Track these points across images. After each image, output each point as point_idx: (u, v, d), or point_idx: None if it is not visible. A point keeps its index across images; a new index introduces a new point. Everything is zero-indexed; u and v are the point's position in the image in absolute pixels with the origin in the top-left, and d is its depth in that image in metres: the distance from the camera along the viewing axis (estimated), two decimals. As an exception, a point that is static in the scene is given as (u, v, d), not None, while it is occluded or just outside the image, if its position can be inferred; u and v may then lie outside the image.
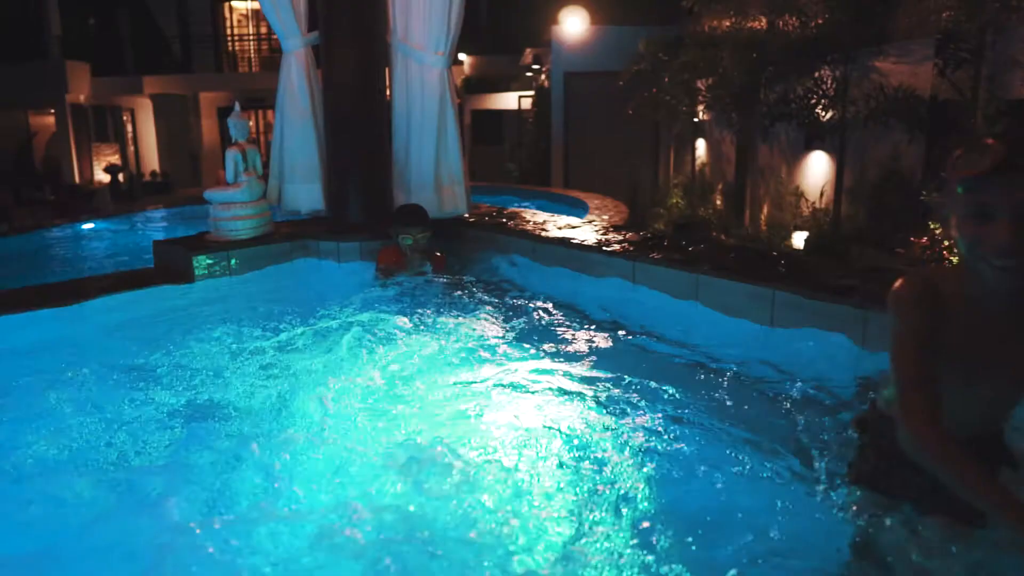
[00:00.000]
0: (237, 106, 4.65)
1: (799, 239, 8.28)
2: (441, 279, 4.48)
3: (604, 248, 4.28)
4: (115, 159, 18.68)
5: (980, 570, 1.54)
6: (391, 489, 2.33)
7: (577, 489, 2.29)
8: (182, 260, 4.48)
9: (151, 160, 20.14)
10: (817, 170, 8.79)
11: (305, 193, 5.07)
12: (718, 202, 11.61)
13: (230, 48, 20.31)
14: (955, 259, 5.20)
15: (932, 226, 5.74)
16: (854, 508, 1.74)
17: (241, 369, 3.52)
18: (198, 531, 2.20)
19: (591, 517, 2.14)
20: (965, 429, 1.57)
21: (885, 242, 6.59)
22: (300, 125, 4.95)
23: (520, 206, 11.21)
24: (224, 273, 4.54)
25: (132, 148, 19.91)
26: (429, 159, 4.89)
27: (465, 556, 1.97)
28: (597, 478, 2.36)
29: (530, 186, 13.59)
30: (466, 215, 5.17)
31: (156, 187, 18.59)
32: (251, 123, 20.34)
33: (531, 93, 16.80)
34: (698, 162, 12.78)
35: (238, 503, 2.36)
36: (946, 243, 5.54)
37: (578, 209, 8.81)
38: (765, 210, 10.23)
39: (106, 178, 17.86)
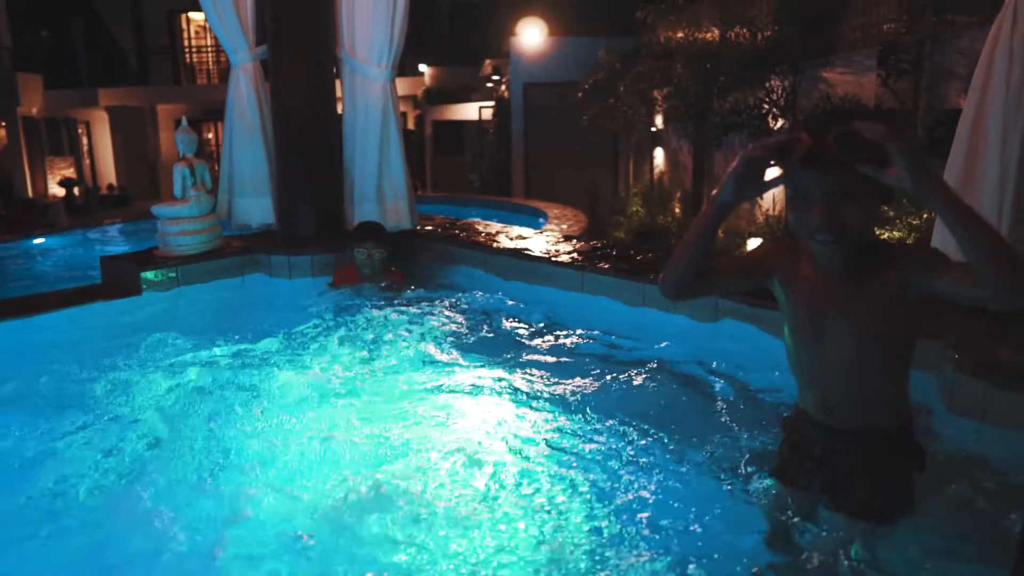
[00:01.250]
0: (184, 121, 4.62)
1: (753, 244, 8.43)
2: (394, 293, 4.48)
3: (554, 259, 4.32)
4: (70, 172, 18.33)
5: (877, 561, 1.61)
6: (336, 510, 2.34)
7: (521, 493, 2.33)
8: (129, 275, 4.43)
9: (108, 173, 19.80)
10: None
11: (255, 207, 5.04)
12: (677, 210, 11.76)
13: (188, 60, 20.08)
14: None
15: (877, 231, 5.88)
16: (769, 501, 1.80)
17: (185, 385, 3.48)
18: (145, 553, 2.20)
19: (535, 520, 2.18)
20: (841, 410, 1.71)
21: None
22: (249, 139, 4.92)
23: (480, 216, 11.25)
24: (172, 288, 4.49)
25: (88, 161, 19.55)
26: (372, 172, 4.89)
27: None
28: (543, 482, 2.40)
29: (491, 196, 13.65)
30: (414, 228, 5.18)
31: (113, 200, 18.27)
32: (210, 135, 20.14)
33: (491, 104, 16.88)
34: (656, 171, 12.95)
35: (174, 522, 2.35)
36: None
37: (538, 218, 8.86)
38: (722, 218, 10.40)
39: (61, 192, 17.52)
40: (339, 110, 5.07)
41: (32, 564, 2.22)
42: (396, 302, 4.37)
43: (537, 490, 2.37)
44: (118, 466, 2.75)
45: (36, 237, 9.87)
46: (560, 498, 2.31)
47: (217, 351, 3.85)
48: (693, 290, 1.81)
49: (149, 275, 4.41)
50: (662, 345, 3.51)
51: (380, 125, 4.84)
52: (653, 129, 12.15)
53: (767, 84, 8.00)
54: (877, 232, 1.67)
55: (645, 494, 2.28)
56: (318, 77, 4.86)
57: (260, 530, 2.28)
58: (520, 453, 2.64)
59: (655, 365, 3.31)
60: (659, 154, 12.89)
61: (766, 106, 7.86)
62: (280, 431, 2.92)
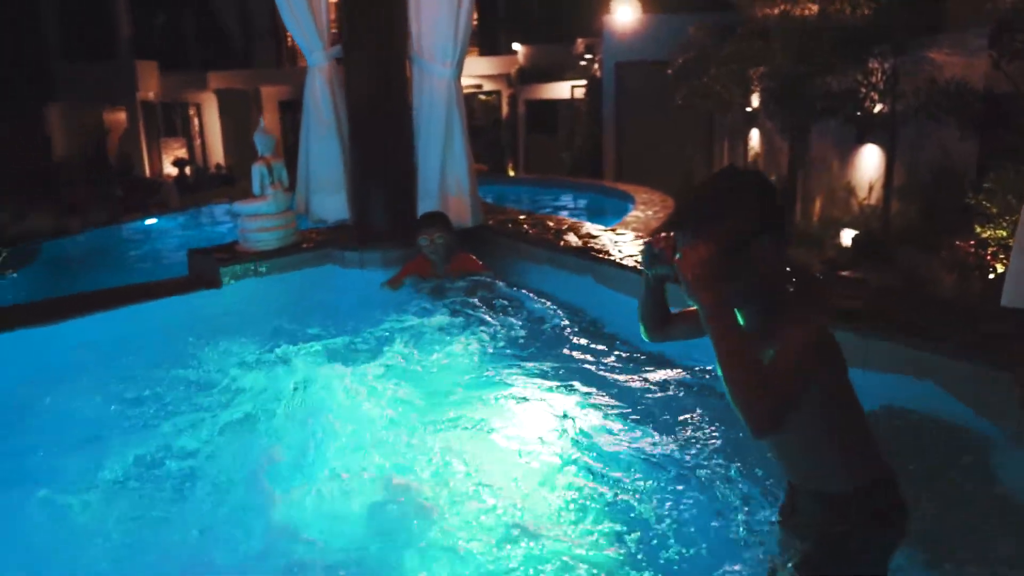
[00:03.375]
0: (262, 122, 4.79)
1: (847, 237, 8.03)
2: (460, 284, 4.50)
3: (620, 262, 4.25)
4: (182, 153, 19.39)
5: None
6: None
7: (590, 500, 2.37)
8: (211, 270, 4.66)
9: (216, 153, 20.81)
10: (868, 165, 8.49)
11: (331, 203, 5.18)
12: (771, 194, 11.32)
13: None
14: (1000, 266, 4.95)
15: (978, 229, 5.49)
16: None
17: (261, 377, 3.65)
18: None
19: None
20: (785, 469, 1.72)
21: (932, 244, 6.34)
22: (325, 137, 5.05)
23: (570, 197, 11.20)
24: (251, 281, 4.70)
25: (198, 142, 20.61)
26: (435, 168, 4.94)
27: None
28: (600, 490, 2.43)
29: (580, 178, 13.53)
30: (476, 226, 5.19)
31: (220, 179, 19.21)
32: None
33: (583, 83, 16.66)
34: (752, 153, 12.48)
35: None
36: (991, 248, 5.30)
37: (626, 202, 8.74)
38: (817, 204, 9.94)
39: (174, 171, 18.58)
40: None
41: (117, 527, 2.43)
42: (460, 294, 4.39)
43: (584, 489, 2.37)
44: (186, 453, 2.95)
45: (149, 217, 10.52)
46: (616, 500, 2.33)
47: (286, 346, 4.01)
48: (665, 338, 1.92)
49: (229, 270, 4.63)
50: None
51: (444, 122, 4.87)
52: (748, 109, 11.69)
53: (867, 65, 7.54)
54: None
55: (692, 501, 2.33)
56: (390, 74, 4.92)
57: (314, 520, 2.41)
58: (571, 457, 2.65)
59: (700, 372, 3.23)
60: (755, 135, 12.41)
61: (864, 89, 7.42)
62: (335, 426, 3.01)
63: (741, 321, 1.53)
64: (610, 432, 2.87)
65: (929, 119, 6.66)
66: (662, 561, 2.17)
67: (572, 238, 4.88)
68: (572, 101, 17.97)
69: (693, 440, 2.75)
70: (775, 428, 1.35)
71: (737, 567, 2.07)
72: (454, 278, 4.55)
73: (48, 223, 10.28)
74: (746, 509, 2.29)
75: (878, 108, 7.40)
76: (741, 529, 2.22)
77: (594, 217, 9.98)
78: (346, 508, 2.50)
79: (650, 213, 7.72)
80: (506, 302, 4.40)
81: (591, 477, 2.58)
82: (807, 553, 1.65)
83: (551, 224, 5.43)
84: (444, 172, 4.96)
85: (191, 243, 8.41)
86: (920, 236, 6.76)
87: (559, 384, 3.35)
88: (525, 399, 3.26)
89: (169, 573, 2.31)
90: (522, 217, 5.74)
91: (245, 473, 2.77)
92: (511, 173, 18.05)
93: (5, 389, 3.52)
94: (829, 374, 1.51)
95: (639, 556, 2.18)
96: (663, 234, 1.61)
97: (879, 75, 7.35)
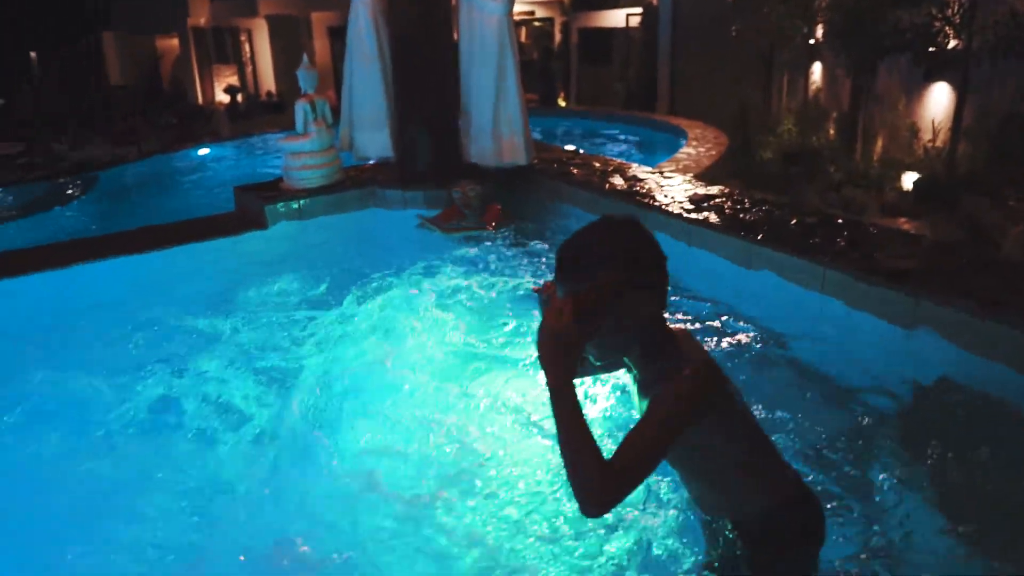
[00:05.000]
0: (305, 58, 4.73)
1: (909, 180, 7.68)
2: (495, 232, 4.48)
3: (664, 207, 4.14)
4: (233, 80, 19.42)
5: None
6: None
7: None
8: (256, 207, 4.70)
9: (267, 80, 20.79)
10: (936, 105, 8.05)
11: (374, 140, 5.14)
12: (831, 132, 10.86)
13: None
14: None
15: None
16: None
17: (301, 316, 3.72)
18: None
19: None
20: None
21: (1000, 194, 6.03)
22: (368, 72, 4.98)
23: (619, 132, 10.93)
24: (293, 220, 4.73)
25: (249, 69, 20.59)
26: (488, 107, 4.83)
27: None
28: None
29: (632, 111, 13.16)
30: (529, 164, 5.11)
31: (271, 107, 19.24)
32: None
33: (639, 10, 16.02)
34: (813, 88, 11.93)
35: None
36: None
37: (679, 138, 8.50)
38: (879, 144, 9.51)
39: (226, 99, 18.65)
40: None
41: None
42: (496, 239, 4.38)
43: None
44: (221, 389, 3.05)
45: (202, 147, 10.62)
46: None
47: (326, 285, 4.05)
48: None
49: (273, 207, 4.66)
50: (767, 311, 3.31)
51: (496, 59, 4.75)
52: (812, 42, 11.11)
53: (942, -3, 7.05)
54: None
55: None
56: (435, 9, 4.79)
57: (363, 460, 2.47)
58: (618, 412, 2.64)
59: (749, 337, 3.16)
60: (816, 69, 11.84)
61: (937, 23, 6.96)
62: (374, 368, 3.05)
63: (631, 370, 1.54)
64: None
65: (1007, 55, 6.22)
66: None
67: (618, 180, 4.77)
68: (627, 30, 17.34)
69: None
70: (602, 514, 1.33)
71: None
72: (488, 228, 4.51)
73: (105, 152, 10.46)
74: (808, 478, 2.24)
75: (951, 44, 6.95)
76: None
77: (644, 152, 9.76)
78: (392, 449, 2.54)
79: (702, 150, 7.49)
80: (544, 247, 4.36)
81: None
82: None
83: (597, 165, 5.30)
84: (496, 111, 4.87)
85: (243, 173, 8.51)
86: (987, 183, 6.43)
87: None
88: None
89: (203, 501, 2.38)
90: (569, 157, 5.62)
91: (284, 410, 2.84)
92: (562, 104, 17.66)
93: (58, 322, 3.65)
94: (719, 413, 1.44)
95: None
96: (549, 281, 1.54)
97: (955, 7, 6.87)
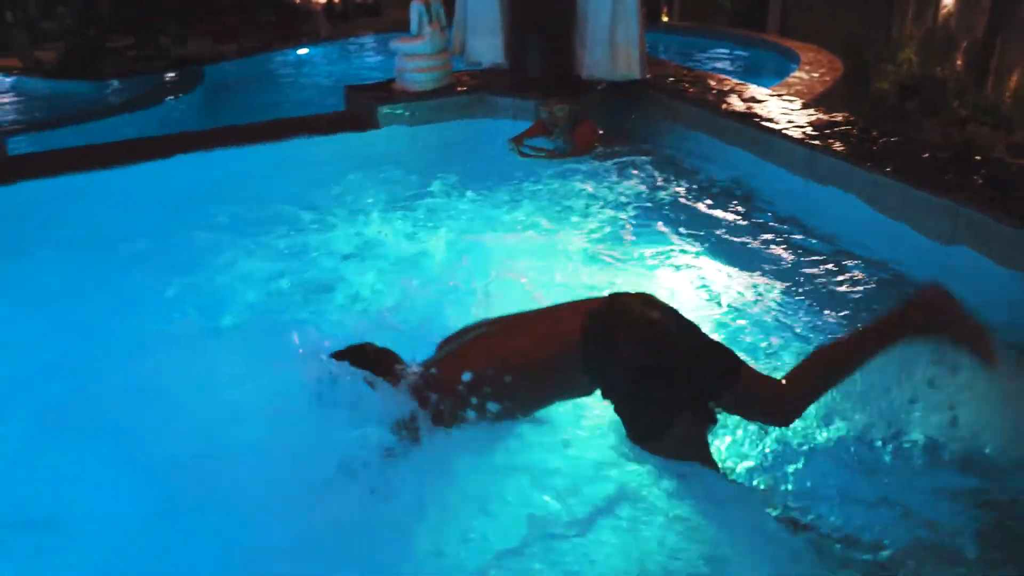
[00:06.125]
0: (422, -44, 4.65)
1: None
2: (588, 153, 4.37)
3: (784, 132, 3.99)
4: (331, -22, 19.27)
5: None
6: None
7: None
8: (368, 108, 4.74)
9: (365, -20, 20.55)
10: (1087, 36, 7.36)
11: (487, 45, 5.08)
12: (959, 62, 10.11)
13: None
14: None
15: None
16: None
17: (397, 220, 3.77)
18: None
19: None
20: None
21: None
22: (483, -26, 4.87)
23: (726, 51, 10.47)
24: (404, 123, 4.76)
25: (349, -33, 20.36)
26: (605, 15, 4.68)
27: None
28: None
29: (741, 30, 12.52)
30: (642, 78, 4.96)
31: (367, 9, 19.09)
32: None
33: (756, -81, 15.00)
34: (943, 10, 11.06)
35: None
36: None
37: (789, 62, 8.10)
38: (1015, 78, 8.81)
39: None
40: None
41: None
42: (596, 163, 4.28)
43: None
44: (324, 279, 3.19)
45: (301, 47, 10.69)
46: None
47: (429, 191, 4.09)
48: None
49: (385, 109, 4.69)
50: (888, 252, 3.18)
51: (616, -34, 4.57)
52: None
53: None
54: None
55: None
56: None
57: None
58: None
59: (873, 281, 3.02)
60: (950, -10, 10.95)
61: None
62: (467, 277, 3.02)
63: None
64: (752, 314, 2.81)
65: None
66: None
67: (735, 101, 4.60)
68: (740, -59, 16.31)
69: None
70: None
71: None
72: (576, 148, 4.41)
73: (206, 48, 10.60)
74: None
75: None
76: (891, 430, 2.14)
77: (752, 75, 9.32)
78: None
79: (815, 76, 7.13)
80: (647, 168, 4.28)
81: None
82: None
83: (713, 84, 5.11)
84: (613, 20, 4.72)
85: (342, 74, 8.55)
86: None
87: (698, 262, 3.26)
88: (660, 267, 3.24)
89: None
90: (683, 74, 5.42)
91: (397, 301, 2.92)
92: (664, 19, 16.94)
93: (167, 215, 3.75)
94: None
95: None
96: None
97: None
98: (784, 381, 1.92)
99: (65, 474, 1.75)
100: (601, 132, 4.52)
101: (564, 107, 4.36)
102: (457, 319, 2.48)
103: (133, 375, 2.01)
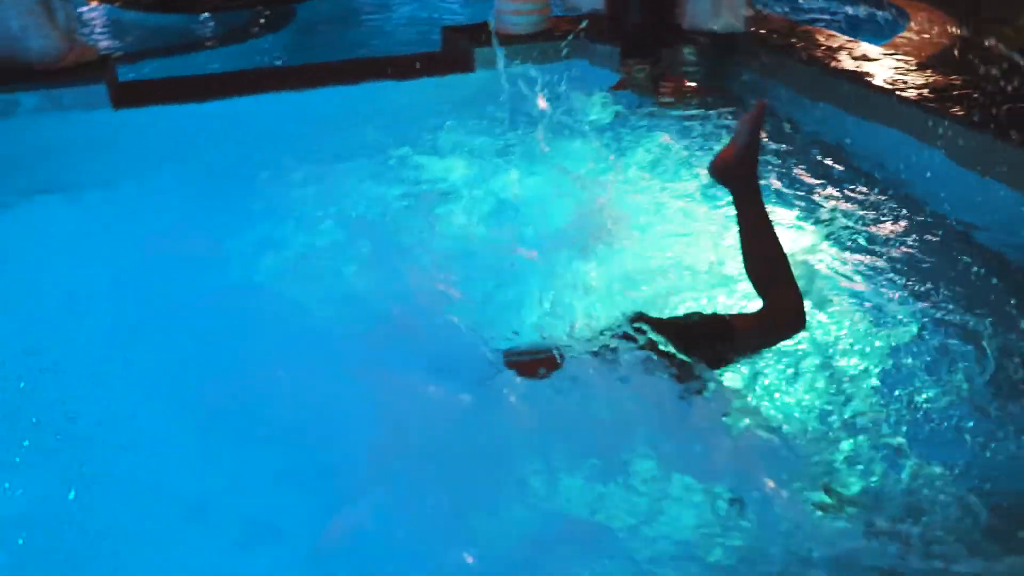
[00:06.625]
0: None
1: None
2: (681, 106, 4.25)
3: (898, 92, 3.79)
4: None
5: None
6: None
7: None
8: (465, 50, 4.72)
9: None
10: None
11: (586, -9, 4.97)
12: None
13: None
14: None
15: None
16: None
17: (497, 160, 3.80)
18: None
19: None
20: None
21: None
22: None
23: (822, 5, 9.99)
24: (501, 66, 4.71)
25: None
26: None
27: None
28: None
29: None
30: (745, 31, 4.79)
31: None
32: None
33: None
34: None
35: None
36: None
37: (897, 19, 7.68)
38: None
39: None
40: None
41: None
42: (675, 118, 4.17)
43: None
44: (410, 222, 3.11)
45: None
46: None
47: (526, 132, 4.04)
48: None
49: (482, 51, 4.66)
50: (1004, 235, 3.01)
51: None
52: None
53: None
54: None
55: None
56: None
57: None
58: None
59: (986, 258, 2.86)
60: (1083, -50, 10.13)
61: None
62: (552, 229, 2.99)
63: None
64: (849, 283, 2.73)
65: None
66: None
67: (845, 59, 4.38)
68: None
69: (934, 314, 2.50)
70: None
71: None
72: (665, 103, 4.29)
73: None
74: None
75: None
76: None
77: (855, 33, 8.89)
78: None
79: (925, 36, 6.75)
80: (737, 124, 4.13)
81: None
82: None
83: (820, 39, 4.88)
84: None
85: (437, 15, 8.47)
86: None
87: (790, 227, 3.13)
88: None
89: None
90: (788, 28, 5.19)
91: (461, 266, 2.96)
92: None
93: (260, 149, 3.84)
94: None
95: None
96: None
97: None
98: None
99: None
100: (694, 86, 4.39)
101: (643, 68, 4.25)
102: (552, 261, 2.51)
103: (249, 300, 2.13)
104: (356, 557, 1.53)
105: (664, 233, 3.09)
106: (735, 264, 2.54)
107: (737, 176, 2.24)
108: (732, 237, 2.98)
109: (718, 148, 3.80)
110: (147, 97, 4.25)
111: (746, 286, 2.38)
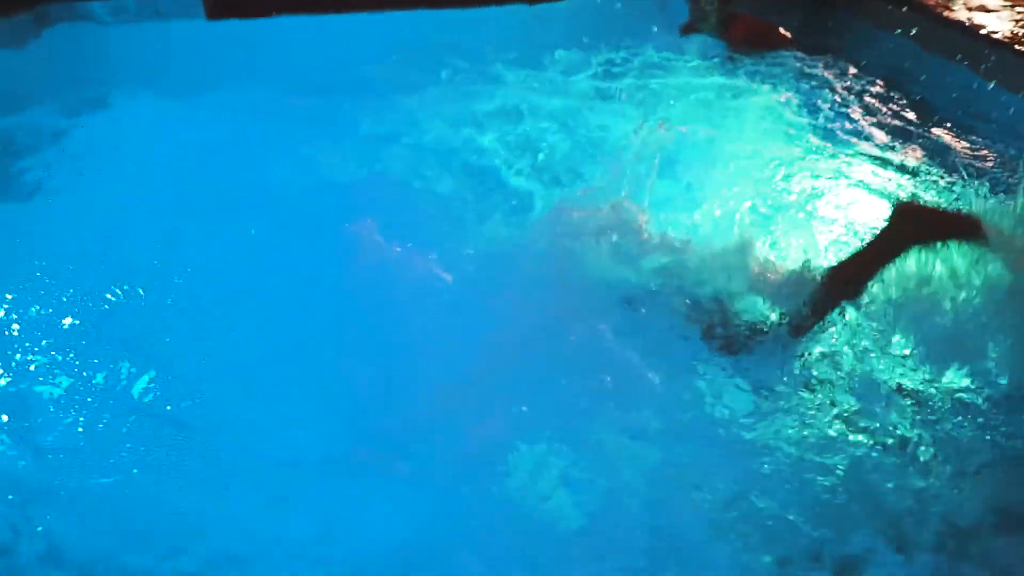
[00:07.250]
0: None
1: None
2: (743, 53, 4.04)
3: (1017, 46, 3.53)
4: None
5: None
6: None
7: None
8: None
9: None
10: None
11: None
12: None
13: None
14: None
15: None
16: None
17: (556, 97, 3.77)
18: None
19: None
20: None
21: None
22: None
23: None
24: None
25: None
26: None
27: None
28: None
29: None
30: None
31: None
32: None
33: None
34: None
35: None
36: None
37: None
38: None
39: None
40: None
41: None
42: (743, 61, 3.99)
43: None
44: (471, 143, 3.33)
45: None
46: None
47: (612, 62, 4.06)
48: None
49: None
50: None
51: None
52: None
53: None
54: None
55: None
56: None
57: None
58: None
59: None
60: None
61: None
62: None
63: None
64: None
65: None
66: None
67: (959, 9, 4.07)
68: None
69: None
70: None
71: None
72: (734, 44, 4.08)
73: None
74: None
75: None
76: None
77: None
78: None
79: None
80: (838, 76, 3.94)
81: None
82: None
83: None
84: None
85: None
86: None
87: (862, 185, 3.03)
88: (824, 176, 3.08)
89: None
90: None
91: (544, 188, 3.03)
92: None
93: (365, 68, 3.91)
94: None
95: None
96: None
97: None
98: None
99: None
100: (767, 28, 4.16)
101: (714, 2, 4.01)
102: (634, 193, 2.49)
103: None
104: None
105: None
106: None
107: None
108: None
109: (802, 100, 3.65)
110: (240, 9, 4.31)
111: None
